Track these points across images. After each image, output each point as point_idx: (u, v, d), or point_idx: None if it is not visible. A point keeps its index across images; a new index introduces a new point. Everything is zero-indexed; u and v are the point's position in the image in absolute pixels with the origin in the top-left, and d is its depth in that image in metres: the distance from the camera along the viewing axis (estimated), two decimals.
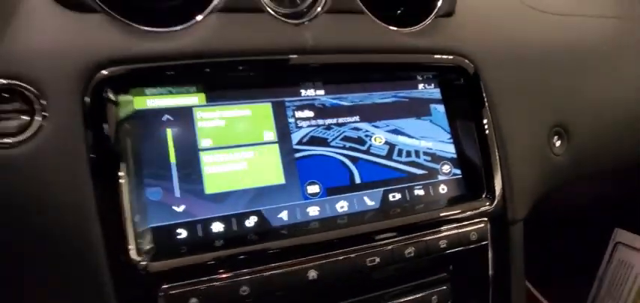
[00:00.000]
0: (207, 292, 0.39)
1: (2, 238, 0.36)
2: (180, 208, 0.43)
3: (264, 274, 0.41)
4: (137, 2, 0.44)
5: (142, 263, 0.38)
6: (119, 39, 0.42)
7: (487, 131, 0.55)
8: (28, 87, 0.37)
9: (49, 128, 0.37)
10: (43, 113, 0.37)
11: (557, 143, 0.62)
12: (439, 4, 0.56)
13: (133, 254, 0.38)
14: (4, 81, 0.37)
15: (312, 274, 0.43)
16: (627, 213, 0.87)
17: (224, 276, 0.40)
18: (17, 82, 0.37)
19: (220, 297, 0.40)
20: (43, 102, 0.37)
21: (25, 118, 0.37)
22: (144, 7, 0.44)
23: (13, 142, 0.36)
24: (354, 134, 0.52)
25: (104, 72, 0.41)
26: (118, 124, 0.41)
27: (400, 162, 0.53)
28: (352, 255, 0.45)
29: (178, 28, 0.44)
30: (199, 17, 0.45)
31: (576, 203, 0.83)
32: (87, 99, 0.39)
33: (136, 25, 0.43)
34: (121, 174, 0.40)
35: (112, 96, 0.41)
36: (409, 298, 0.47)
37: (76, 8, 0.41)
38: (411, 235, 0.48)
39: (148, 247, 0.40)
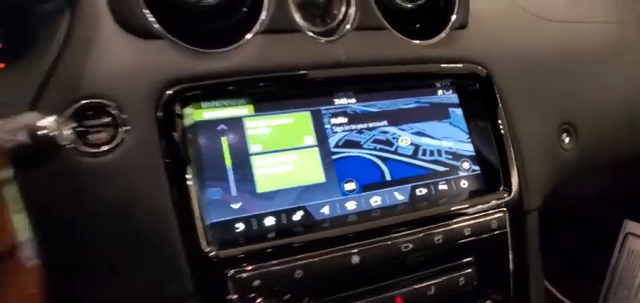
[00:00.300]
0: (267, 275, 0.45)
1: (96, 232, 0.42)
2: (237, 206, 0.49)
3: (315, 259, 0.47)
4: (193, 27, 0.51)
5: (211, 253, 0.44)
6: (181, 60, 0.48)
7: (502, 130, 0.61)
8: (111, 104, 0.44)
9: (131, 139, 0.44)
10: (125, 127, 0.44)
11: (566, 140, 0.68)
12: (453, 18, 0.62)
13: (203, 246, 0.44)
14: (91, 100, 0.43)
15: (355, 259, 0.49)
16: (634, 205, 0.92)
17: (281, 261, 0.46)
18: (101, 101, 0.44)
19: (279, 279, 0.45)
20: (124, 117, 0.44)
21: (111, 130, 0.43)
22: (199, 32, 0.51)
23: (103, 151, 0.43)
24: (383, 137, 0.58)
25: (171, 90, 0.47)
26: (183, 134, 0.47)
27: (425, 160, 0.59)
28: (388, 242, 0.51)
29: (229, 48, 0.51)
30: (246, 38, 0.52)
31: (584, 199, 0.88)
32: (159, 114, 0.45)
33: (194, 48, 0.50)
34: (188, 177, 0.46)
35: (178, 110, 0.48)
36: (439, 280, 0.53)
37: (143, 36, 0.48)
38: (438, 224, 0.54)
39: (213, 239, 0.46)
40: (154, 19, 0.48)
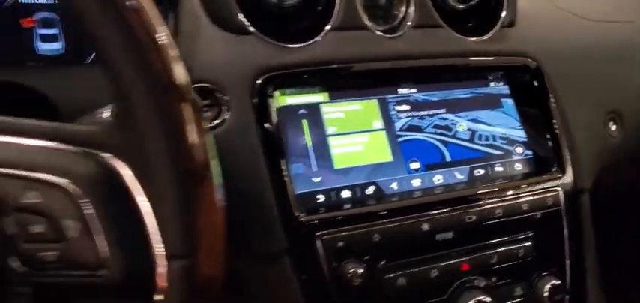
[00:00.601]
0: (349, 237, 0.51)
1: None
2: (318, 180, 0.55)
3: (390, 225, 0.53)
4: (276, 25, 0.58)
5: (302, 218, 0.50)
6: (268, 53, 0.56)
7: (553, 117, 0.65)
8: (215, 88, 0.51)
9: (232, 118, 0.51)
10: (227, 108, 0.51)
11: (613, 128, 0.72)
12: (503, 15, 0.68)
13: (295, 211, 0.51)
14: (200, 84, 0.51)
15: (425, 226, 0.54)
16: None
17: (360, 226, 0.52)
18: (207, 85, 0.51)
19: (360, 242, 0.51)
20: (226, 98, 0.51)
21: (216, 110, 0.50)
22: (281, 29, 0.58)
23: (212, 126, 0.50)
24: (442, 123, 0.63)
25: (260, 79, 0.54)
26: (272, 116, 0.54)
27: (481, 145, 0.64)
28: (453, 212, 0.56)
29: (306, 43, 0.58)
30: (321, 34, 0.59)
31: (629, 188, 0.91)
32: (254, 99, 0.52)
33: (277, 43, 0.57)
34: (278, 152, 0.53)
35: (267, 95, 0.54)
36: (500, 249, 0.57)
37: (237, 32, 0.55)
38: (498, 198, 0.58)
39: (301, 206, 0.52)
40: (245, 19, 0.56)
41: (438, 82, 0.65)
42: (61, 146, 0.27)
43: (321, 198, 0.55)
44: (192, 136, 0.27)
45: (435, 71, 0.65)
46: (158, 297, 0.27)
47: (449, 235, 0.55)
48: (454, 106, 0.65)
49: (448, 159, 0.62)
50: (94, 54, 0.59)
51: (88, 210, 0.26)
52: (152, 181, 0.27)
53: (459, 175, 0.62)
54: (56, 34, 0.58)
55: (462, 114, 0.65)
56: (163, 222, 0.27)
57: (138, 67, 0.26)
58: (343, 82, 0.60)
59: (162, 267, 0.27)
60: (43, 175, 0.26)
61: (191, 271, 0.27)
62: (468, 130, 0.65)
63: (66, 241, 0.26)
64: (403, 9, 0.64)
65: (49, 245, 0.26)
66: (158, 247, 0.27)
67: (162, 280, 0.27)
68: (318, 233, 0.50)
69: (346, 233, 0.51)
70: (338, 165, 0.57)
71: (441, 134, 0.63)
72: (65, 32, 0.58)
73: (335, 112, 0.59)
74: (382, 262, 0.52)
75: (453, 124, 0.64)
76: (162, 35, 0.27)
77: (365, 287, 0.50)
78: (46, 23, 0.58)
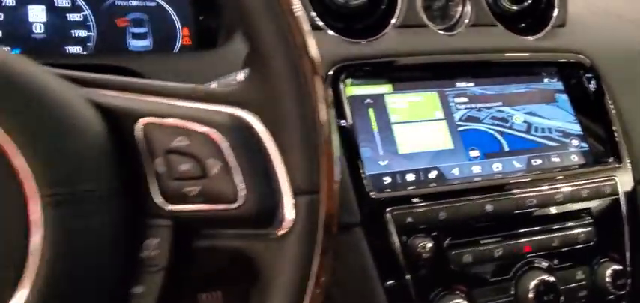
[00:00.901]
0: (417, 214, 0.54)
1: None
2: (384, 163, 0.59)
3: (455, 205, 0.56)
4: (343, 23, 0.63)
5: (373, 195, 0.54)
6: (338, 47, 0.61)
7: (608, 111, 0.67)
8: None
9: None
10: None
11: None
12: (555, 15, 0.71)
13: (367, 189, 0.54)
14: None
15: (489, 207, 0.57)
16: None
17: (428, 204, 0.55)
18: None
19: (427, 219, 0.54)
20: None
21: None
22: (348, 26, 0.63)
23: None
24: (499, 115, 0.66)
25: (331, 70, 0.59)
26: (343, 104, 0.58)
27: (537, 136, 0.67)
28: (516, 196, 0.58)
29: (371, 39, 0.63)
30: (385, 31, 0.63)
31: None
32: (330, 89, 0.57)
33: (346, 39, 0.62)
34: (351, 136, 0.57)
35: (339, 85, 0.59)
36: (561, 234, 0.59)
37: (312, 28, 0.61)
38: (557, 185, 0.60)
39: (371, 185, 0.55)
40: (316, 16, 0.61)
41: (494, 77, 0.68)
42: (203, 105, 0.32)
43: (388, 180, 0.58)
44: (322, 109, 0.31)
45: (490, 66, 0.68)
46: (285, 228, 0.31)
47: (511, 217, 0.58)
48: (510, 100, 0.68)
49: (506, 148, 0.65)
50: (177, 49, 0.65)
51: (228, 152, 0.30)
52: (281, 135, 0.31)
53: (517, 164, 0.64)
54: (146, 32, 0.64)
55: (517, 107, 0.68)
56: (290, 165, 0.31)
57: (278, 34, 0.30)
58: (405, 74, 0.64)
59: (289, 202, 0.31)
60: (190, 124, 0.31)
61: (314, 206, 0.30)
62: (524, 122, 0.67)
63: (208, 178, 0.30)
64: (460, 9, 0.69)
65: (193, 182, 0.30)
66: (285, 186, 0.31)
67: (289, 214, 0.31)
68: (389, 209, 0.53)
69: (415, 210, 0.54)
70: (402, 150, 0.60)
71: (499, 125, 0.66)
72: (153, 30, 0.65)
73: (398, 102, 0.63)
74: (448, 239, 0.55)
75: (509, 116, 0.67)
76: (298, 7, 0.31)
77: (433, 261, 0.53)
78: (137, 23, 0.64)
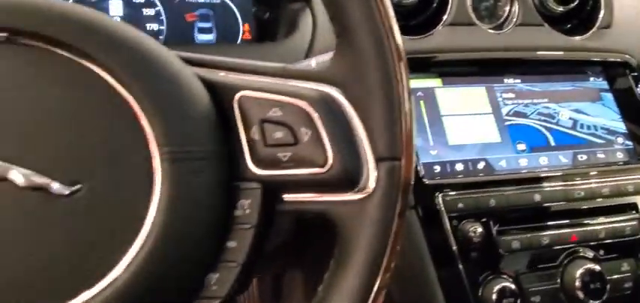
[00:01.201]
0: (468, 200, 0.57)
1: None
2: (434, 152, 0.62)
3: (503, 193, 0.58)
4: (398, 20, 0.66)
5: (427, 181, 0.57)
6: None
7: None
8: None
9: None
10: None
11: None
12: (601, 16, 0.73)
13: (421, 175, 0.58)
14: None
15: (536, 197, 0.59)
16: None
17: (478, 191, 0.58)
18: None
19: (476, 205, 0.57)
20: None
21: None
22: (402, 24, 0.66)
23: None
24: (545, 111, 0.68)
25: None
26: None
27: (583, 132, 0.68)
28: (563, 187, 0.60)
29: (423, 36, 0.66)
30: (437, 28, 0.66)
31: None
32: None
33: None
34: None
35: None
36: (608, 226, 0.61)
37: None
38: (604, 178, 0.62)
39: (424, 172, 0.59)
40: None
41: (541, 75, 0.70)
42: (293, 82, 0.36)
43: (438, 168, 0.61)
44: (405, 87, 0.35)
45: (537, 64, 0.71)
46: (367, 192, 0.34)
47: (558, 206, 0.60)
48: (556, 97, 0.70)
49: (552, 143, 0.67)
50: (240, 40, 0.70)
51: (318, 122, 0.34)
52: (365, 108, 0.34)
53: (563, 159, 0.66)
54: (211, 26, 0.69)
55: (563, 104, 0.70)
56: (373, 135, 0.34)
57: (366, 15, 0.34)
58: (455, 70, 0.67)
59: (372, 168, 0.34)
60: (284, 98, 0.35)
61: (395, 171, 0.34)
62: (570, 118, 0.69)
63: (300, 144, 0.34)
64: (507, 8, 0.71)
65: (286, 148, 0.34)
66: (368, 153, 0.34)
67: (371, 178, 0.34)
68: (440, 194, 0.56)
69: (465, 197, 0.57)
70: (452, 141, 0.63)
71: (545, 121, 0.68)
72: (217, 25, 0.70)
73: (447, 95, 0.66)
74: (497, 226, 0.57)
75: (555, 112, 0.69)
76: None
77: (482, 246, 0.56)
78: (204, 17, 0.69)
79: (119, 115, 0.31)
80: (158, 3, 0.67)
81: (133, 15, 0.66)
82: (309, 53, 0.60)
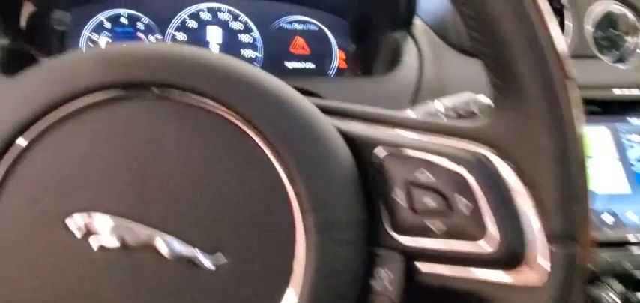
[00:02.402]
0: (600, 262, 0.50)
1: None
2: None
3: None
4: None
5: None
6: None
7: None
8: None
9: None
10: None
11: None
12: None
13: None
14: None
15: None
16: None
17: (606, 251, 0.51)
18: None
19: (611, 267, 0.50)
20: None
21: None
22: None
23: None
24: None
25: None
26: None
27: None
28: None
29: None
30: None
31: None
32: None
33: None
34: None
35: None
36: None
37: (467, 54, 0.60)
38: None
39: None
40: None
41: None
42: (441, 139, 0.32)
43: None
44: (578, 124, 0.29)
45: None
46: (538, 278, 0.29)
47: None
48: None
49: None
50: (332, 71, 0.67)
51: (476, 189, 0.30)
52: (535, 175, 0.29)
53: None
54: (307, 55, 0.66)
55: None
56: (543, 207, 0.29)
57: (528, 36, 0.27)
58: None
59: (543, 248, 0.29)
60: (434, 157, 0.30)
61: (574, 256, 0.28)
62: None
63: (454, 214, 0.30)
64: (631, 39, 0.64)
65: (436, 217, 0.30)
66: (537, 229, 0.29)
67: (544, 261, 0.29)
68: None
69: (599, 258, 0.51)
70: None
71: None
72: (312, 52, 0.67)
73: None
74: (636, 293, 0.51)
75: None
76: (558, 41, 0.30)
77: None
78: (299, 45, 0.66)
79: (264, 179, 0.28)
80: (255, 29, 0.65)
81: (230, 42, 0.64)
82: (418, 90, 0.56)
